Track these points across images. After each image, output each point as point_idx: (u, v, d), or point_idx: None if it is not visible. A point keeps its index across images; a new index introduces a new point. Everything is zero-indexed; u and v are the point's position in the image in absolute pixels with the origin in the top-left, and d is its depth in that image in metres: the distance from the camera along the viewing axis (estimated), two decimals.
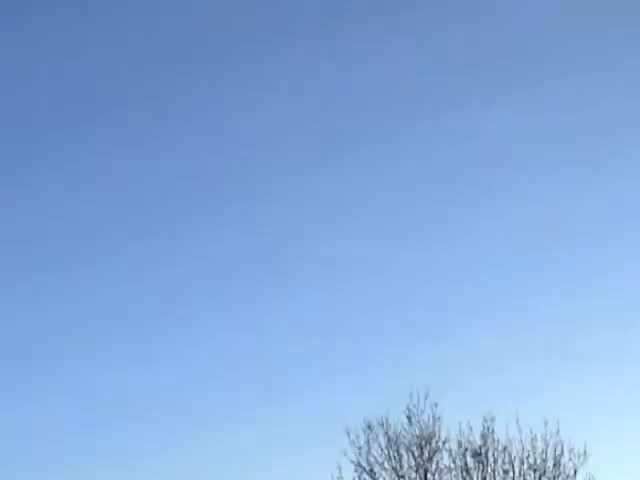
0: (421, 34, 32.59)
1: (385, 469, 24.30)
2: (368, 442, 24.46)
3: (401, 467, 24.23)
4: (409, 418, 24.49)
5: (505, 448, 24.00)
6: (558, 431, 23.93)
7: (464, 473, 24.07)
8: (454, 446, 24.19)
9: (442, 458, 24.26)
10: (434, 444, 24.28)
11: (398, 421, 24.53)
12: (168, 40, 32.95)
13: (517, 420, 23.87)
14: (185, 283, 32.66)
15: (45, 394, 31.26)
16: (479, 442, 24.11)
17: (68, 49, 33.67)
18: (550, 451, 23.93)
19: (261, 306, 32.06)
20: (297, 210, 33.39)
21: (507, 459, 23.95)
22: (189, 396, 30.72)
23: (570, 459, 23.86)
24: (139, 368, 31.69)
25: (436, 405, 24.44)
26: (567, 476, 23.89)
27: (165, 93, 33.36)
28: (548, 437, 23.94)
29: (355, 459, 24.35)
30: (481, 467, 24.00)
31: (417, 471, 24.18)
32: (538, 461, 23.90)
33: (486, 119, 32.09)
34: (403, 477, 24.21)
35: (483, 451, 24.05)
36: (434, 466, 24.18)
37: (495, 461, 24.01)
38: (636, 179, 30.95)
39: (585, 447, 23.68)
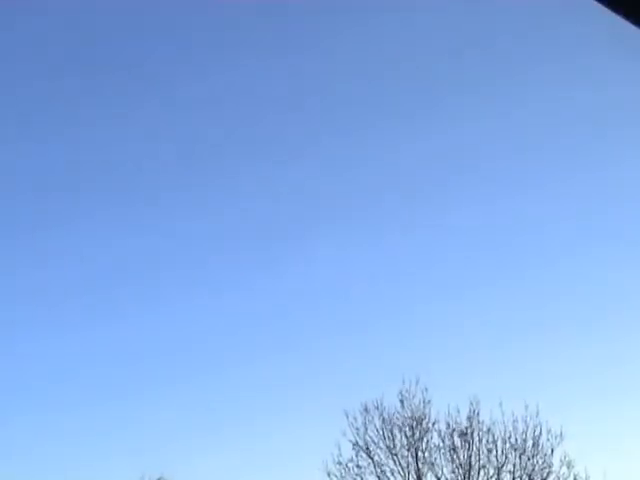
0: None
1: (380, 448, 26.15)
2: (365, 423, 26.28)
3: (394, 446, 26.05)
4: (402, 401, 26.34)
5: (489, 429, 25.88)
6: (537, 414, 25.76)
7: (452, 451, 25.94)
8: (443, 427, 26.09)
9: (432, 438, 26.12)
10: (424, 425, 26.14)
11: (392, 404, 26.35)
12: None
13: (500, 403, 25.73)
14: None
15: None
16: (465, 423, 25.99)
17: None
18: (530, 432, 25.72)
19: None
20: None
21: (491, 439, 25.81)
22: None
23: (548, 439, 25.66)
24: None
25: (426, 389, 26.30)
26: (545, 455, 25.70)
27: None
28: (528, 419, 25.79)
29: (353, 439, 26.16)
30: (467, 446, 25.84)
31: (409, 449, 26.01)
32: (519, 441, 25.70)
33: None
34: (396, 455, 26.04)
35: (469, 431, 25.86)
36: (424, 445, 26.03)
37: (480, 441, 25.88)
38: None
39: (561, 429, 25.50)
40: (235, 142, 34.06)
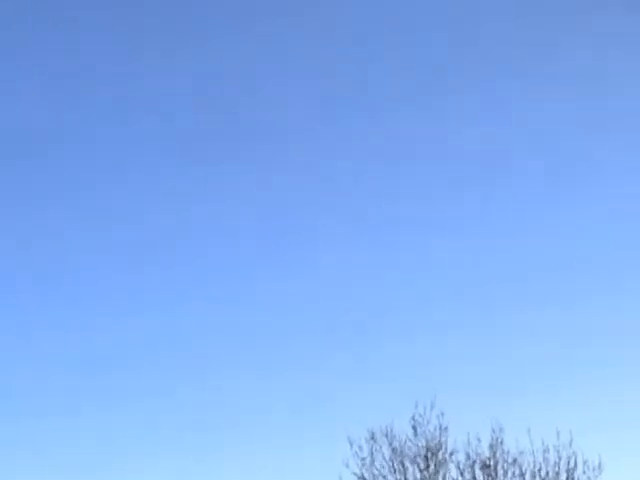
0: None
1: None
2: (372, 453, 24.13)
3: None
4: (414, 428, 24.17)
5: (515, 460, 23.57)
6: (571, 442, 23.43)
7: None
8: (462, 458, 23.85)
9: (449, 470, 23.92)
10: (441, 456, 23.95)
11: (403, 431, 24.22)
12: None
13: (528, 430, 23.41)
14: None
15: None
16: (488, 454, 23.71)
17: None
18: (563, 464, 23.42)
19: None
20: None
21: (517, 472, 23.54)
22: None
23: (584, 472, 23.37)
24: None
25: (443, 414, 24.13)
26: None
27: None
28: (561, 449, 23.46)
29: (358, 471, 24.03)
30: None
31: None
32: (550, 474, 23.41)
33: None
34: None
35: (492, 463, 23.62)
36: (441, 479, 23.82)
37: (505, 474, 23.59)
38: None
39: (600, 459, 23.17)
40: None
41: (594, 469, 23.26)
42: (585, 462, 23.28)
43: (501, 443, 23.71)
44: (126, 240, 35.30)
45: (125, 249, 35.49)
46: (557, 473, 23.37)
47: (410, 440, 24.02)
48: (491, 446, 23.70)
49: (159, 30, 34.95)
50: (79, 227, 36.06)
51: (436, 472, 23.76)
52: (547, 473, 23.37)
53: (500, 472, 23.54)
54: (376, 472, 23.94)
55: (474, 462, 23.63)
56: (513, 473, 23.51)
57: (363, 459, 23.99)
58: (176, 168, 34.71)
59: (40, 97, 34.73)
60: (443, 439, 23.95)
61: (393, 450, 24.03)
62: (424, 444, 23.94)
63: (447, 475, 23.80)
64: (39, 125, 35.32)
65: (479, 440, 23.72)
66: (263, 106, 33.68)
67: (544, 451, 23.43)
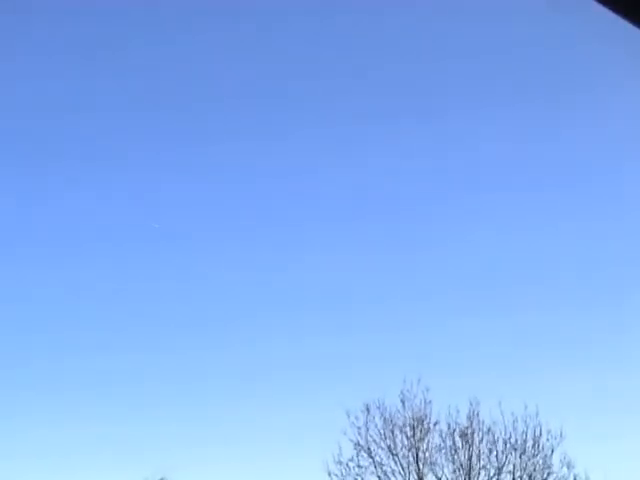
0: None
1: (381, 448, 26.21)
2: (366, 423, 26.30)
3: (395, 446, 26.14)
4: (403, 401, 26.42)
5: (489, 429, 25.99)
6: (537, 414, 25.87)
7: (452, 452, 26.07)
8: (443, 427, 26.20)
9: (432, 438, 26.21)
10: (425, 425, 26.22)
11: (393, 404, 26.44)
12: None
13: (500, 404, 25.80)
14: None
15: None
16: (466, 424, 26.08)
17: None
18: (530, 432, 25.82)
19: None
20: None
21: (491, 439, 25.94)
22: None
23: (548, 440, 25.76)
24: None
25: (427, 390, 26.38)
26: (545, 455, 25.84)
27: None
28: (528, 419, 25.89)
29: (354, 438, 26.21)
30: (467, 446, 25.95)
31: (410, 450, 26.10)
32: (519, 441, 25.81)
33: None
34: (397, 455, 26.11)
35: (469, 432, 25.97)
36: (425, 445, 26.11)
37: (480, 441, 25.99)
38: None
39: (561, 429, 25.62)
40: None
41: (556, 437, 25.78)
42: (549, 431, 25.77)
43: (477, 414, 26.15)
44: None
45: None
46: (525, 440, 25.82)
47: (399, 412, 26.30)
48: (469, 417, 26.16)
49: None
50: None
51: (421, 439, 26.07)
52: (516, 440, 25.85)
53: (476, 439, 25.99)
54: (370, 439, 26.21)
55: (454, 430, 26.01)
56: (487, 440, 25.98)
57: (359, 428, 26.21)
58: None
59: None
60: (427, 411, 26.27)
61: (384, 420, 26.27)
62: (411, 415, 26.21)
63: (431, 441, 26.16)
64: None
65: (458, 412, 26.13)
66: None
67: (514, 421, 25.87)
